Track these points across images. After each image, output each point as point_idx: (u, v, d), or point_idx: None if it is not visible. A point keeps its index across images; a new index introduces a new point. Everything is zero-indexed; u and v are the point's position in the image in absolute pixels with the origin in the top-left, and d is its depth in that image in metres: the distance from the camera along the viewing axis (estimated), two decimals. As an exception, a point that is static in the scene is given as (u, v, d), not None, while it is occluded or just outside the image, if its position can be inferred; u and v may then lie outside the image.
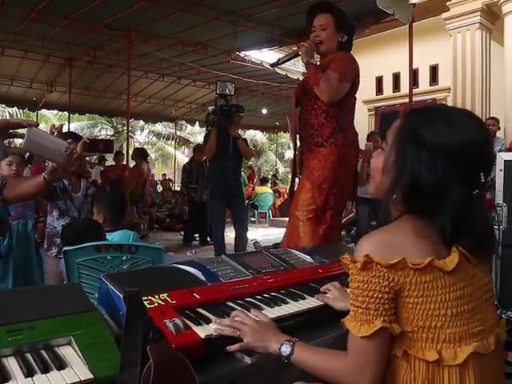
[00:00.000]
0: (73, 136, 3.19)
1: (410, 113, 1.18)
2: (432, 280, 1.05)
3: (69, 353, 1.08)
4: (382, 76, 10.23)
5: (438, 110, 1.19)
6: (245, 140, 5.56)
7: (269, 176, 17.87)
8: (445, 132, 1.08)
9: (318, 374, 1.13)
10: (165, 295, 1.33)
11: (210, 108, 5.30)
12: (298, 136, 3.09)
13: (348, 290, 1.16)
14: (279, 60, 3.15)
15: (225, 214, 5.48)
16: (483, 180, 1.08)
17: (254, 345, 1.21)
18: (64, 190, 3.08)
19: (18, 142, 1.73)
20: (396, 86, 9.95)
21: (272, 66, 3.35)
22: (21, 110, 19.41)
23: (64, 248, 2.24)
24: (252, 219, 12.88)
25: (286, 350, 1.17)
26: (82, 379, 0.99)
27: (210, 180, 5.57)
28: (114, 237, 2.67)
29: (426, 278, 1.04)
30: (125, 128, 19.40)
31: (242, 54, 10.34)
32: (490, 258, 1.20)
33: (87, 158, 7.26)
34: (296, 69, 12.00)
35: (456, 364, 1.04)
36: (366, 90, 9.87)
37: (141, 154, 8.59)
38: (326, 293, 1.60)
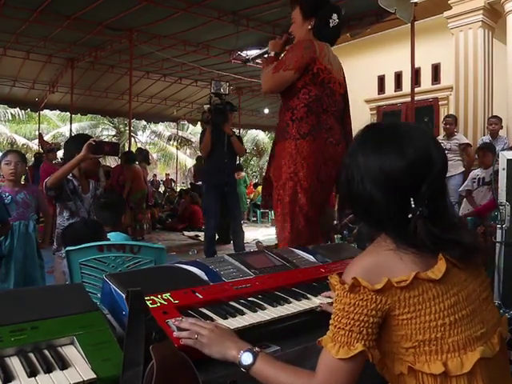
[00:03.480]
0: (83, 137, 3.17)
1: (355, 139, 1.20)
2: (421, 293, 1.04)
3: (72, 353, 1.08)
4: (383, 75, 10.21)
5: (379, 131, 1.19)
6: (239, 137, 5.71)
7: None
8: (372, 156, 1.10)
9: None
10: (167, 295, 1.33)
11: (206, 106, 5.42)
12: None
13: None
14: (249, 57, 3.10)
15: (218, 209, 5.53)
16: (413, 205, 1.06)
17: (211, 349, 1.13)
18: (74, 191, 3.07)
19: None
20: (398, 85, 9.93)
21: (244, 62, 3.32)
22: (23, 111, 19.49)
23: (66, 248, 2.24)
24: (253, 219, 12.88)
25: (247, 359, 1.09)
26: (85, 379, 0.99)
27: (206, 176, 5.68)
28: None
29: (415, 292, 1.03)
30: (127, 128, 19.44)
31: (243, 53, 10.35)
32: (479, 262, 1.16)
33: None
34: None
35: (464, 373, 1.02)
36: (367, 90, 9.88)
37: (129, 158, 8.54)
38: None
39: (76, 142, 3.12)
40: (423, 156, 1.08)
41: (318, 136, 2.67)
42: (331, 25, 2.73)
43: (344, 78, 2.90)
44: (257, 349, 1.12)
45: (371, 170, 1.09)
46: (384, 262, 1.06)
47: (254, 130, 23.02)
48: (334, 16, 2.72)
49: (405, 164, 1.06)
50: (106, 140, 18.98)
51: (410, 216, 1.06)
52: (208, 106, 5.37)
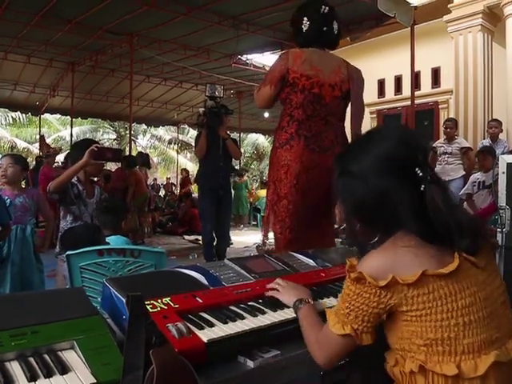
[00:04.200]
0: (86, 143, 3.19)
1: (335, 160, 1.28)
2: (432, 291, 1.04)
3: (72, 357, 1.08)
4: (383, 79, 10.22)
5: (356, 142, 1.33)
6: (234, 140, 5.67)
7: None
8: (363, 156, 1.18)
9: (303, 335, 1.28)
10: (167, 299, 1.32)
11: (201, 110, 5.41)
12: None
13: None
14: None
15: (214, 213, 5.51)
16: (420, 174, 1.11)
17: (283, 297, 1.46)
18: (78, 195, 3.08)
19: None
20: (398, 88, 9.95)
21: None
22: (24, 115, 19.50)
23: (67, 252, 2.25)
24: (253, 223, 12.87)
25: (297, 306, 1.38)
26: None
27: (201, 180, 5.66)
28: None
29: (424, 290, 1.04)
30: (127, 132, 19.46)
31: (243, 57, 10.36)
32: (493, 257, 1.21)
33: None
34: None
35: (477, 376, 1.01)
36: (367, 93, 9.84)
37: (129, 162, 8.53)
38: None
39: (80, 147, 3.15)
40: (405, 134, 1.20)
41: (296, 144, 2.69)
42: (304, 29, 2.76)
43: (344, 78, 2.81)
44: (309, 300, 1.39)
45: (370, 167, 1.14)
46: (396, 259, 1.08)
47: (254, 134, 23.00)
48: (305, 19, 2.76)
49: (395, 140, 1.16)
50: (108, 146, 19.01)
51: (422, 188, 1.10)
52: (203, 109, 5.34)
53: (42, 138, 11.66)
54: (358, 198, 1.17)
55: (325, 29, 2.78)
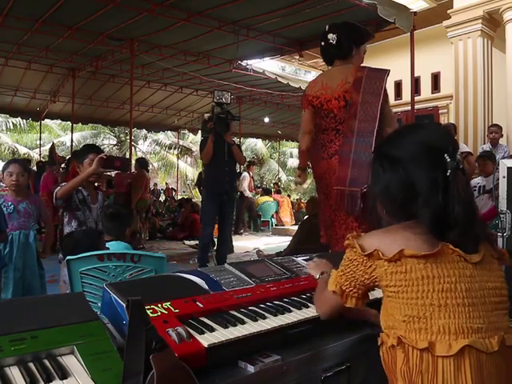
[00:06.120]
0: (94, 149, 3.21)
1: (376, 146, 1.43)
2: (409, 271, 1.13)
3: (72, 362, 1.07)
4: (383, 84, 10.24)
5: (396, 131, 1.40)
6: (239, 146, 5.80)
7: (271, 185, 17.83)
8: (398, 141, 1.29)
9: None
10: (168, 304, 1.32)
11: (206, 115, 5.52)
12: None
13: None
14: None
15: (215, 216, 5.57)
16: (448, 160, 1.17)
17: (311, 271, 1.70)
18: (83, 201, 3.09)
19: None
20: (398, 93, 9.97)
21: None
22: (24, 120, 19.55)
23: (67, 257, 2.24)
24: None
25: (319, 277, 1.59)
26: (85, 389, 0.98)
27: (206, 184, 5.75)
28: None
29: (401, 268, 1.14)
30: (127, 137, 19.48)
31: (243, 63, 10.38)
32: (495, 261, 1.22)
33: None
34: (297, 77, 12.05)
35: (450, 355, 1.06)
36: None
37: (143, 164, 8.66)
38: None
39: (82, 152, 3.23)
40: (440, 127, 1.35)
41: (312, 157, 3.16)
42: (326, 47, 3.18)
43: (348, 88, 2.94)
44: (328, 273, 1.47)
45: (407, 152, 1.22)
46: (388, 238, 1.19)
47: (252, 139, 23.04)
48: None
49: (433, 129, 1.28)
50: (108, 152, 19.03)
51: (448, 173, 1.16)
52: (208, 115, 5.45)
53: (53, 147, 11.30)
54: (386, 179, 1.25)
55: (322, 43, 3.14)
